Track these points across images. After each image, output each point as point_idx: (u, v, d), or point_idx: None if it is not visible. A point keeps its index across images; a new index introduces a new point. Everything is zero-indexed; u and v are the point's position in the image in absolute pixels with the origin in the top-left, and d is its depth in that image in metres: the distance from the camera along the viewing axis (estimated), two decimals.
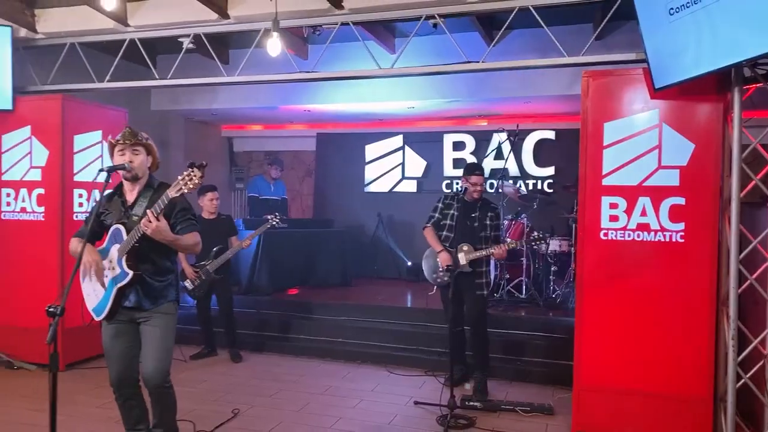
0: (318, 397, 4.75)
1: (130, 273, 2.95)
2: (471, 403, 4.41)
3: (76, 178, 5.50)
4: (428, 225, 4.84)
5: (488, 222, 4.68)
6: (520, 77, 6.38)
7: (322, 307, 6.63)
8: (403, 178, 8.98)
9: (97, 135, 5.70)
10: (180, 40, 5.20)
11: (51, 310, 2.72)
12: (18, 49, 5.48)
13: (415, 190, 8.92)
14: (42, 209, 5.41)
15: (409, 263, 8.50)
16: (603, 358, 3.94)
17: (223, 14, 4.76)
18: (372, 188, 9.16)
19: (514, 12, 4.44)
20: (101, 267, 3.00)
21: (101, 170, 2.94)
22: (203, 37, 5.11)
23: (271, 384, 5.07)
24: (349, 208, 9.06)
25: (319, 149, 9.67)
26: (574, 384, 4.03)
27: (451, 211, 4.73)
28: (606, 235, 3.91)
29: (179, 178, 2.73)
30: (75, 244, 3.11)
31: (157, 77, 5.41)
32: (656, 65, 3.56)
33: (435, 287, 4.85)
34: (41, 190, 5.41)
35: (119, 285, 2.98)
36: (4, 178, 5.53)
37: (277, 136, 10.07)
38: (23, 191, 5.46)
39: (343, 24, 4.69)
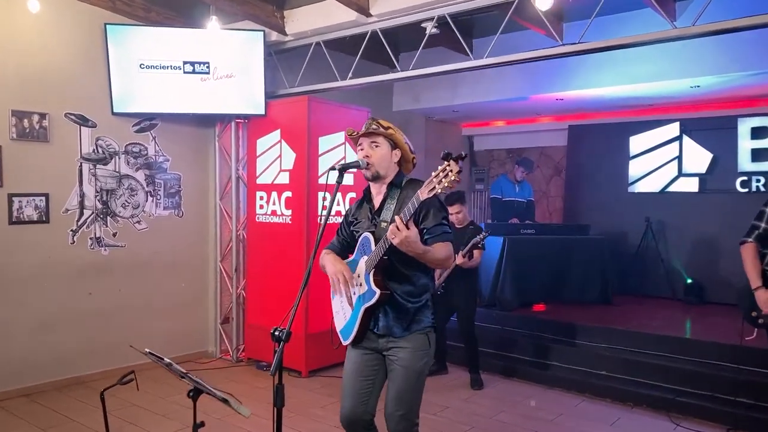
0: None
1: (377, 292, 2.37)
2: None
3: (321, 181, 5.37)
4: (749, 239, 3.45)
5: None
6: None
7: (580, 331, 5.59)
8: (680, 174, 7.41)
9: (340, 137, 5.53)
10: (423, 26, 4.68)
11: (276, 333, 2.32)
12: (271, 54, 5.58)
13: (696, 190, 7.30)
14: (290, 212, 5.40)
15: (689, 280, 6.99)
16: None
17: None
18: (638, 188, 7.75)
19: None
20: (348, 277, 2.49)
21: (332, 168, 2.45)
22: (448, 19, 4.50)
23: (522, 421, 4.28)
24: (609, 212, 7.79)
25: (570, 144, 8.55)
26: None
27: None
28: None
29: (432, 174, 2.08)
30: (323, 256, 2.67)
31: (398, 69, 4.99)
32: None
33: (755, 330, 3.49)
34: (289, 193, 5.40)
35: (366, 305, 2.43)
36: (258, 181, 5.65)
37: (520, 131, 9.22)
38: (274, 194, 5.53)
39: None
